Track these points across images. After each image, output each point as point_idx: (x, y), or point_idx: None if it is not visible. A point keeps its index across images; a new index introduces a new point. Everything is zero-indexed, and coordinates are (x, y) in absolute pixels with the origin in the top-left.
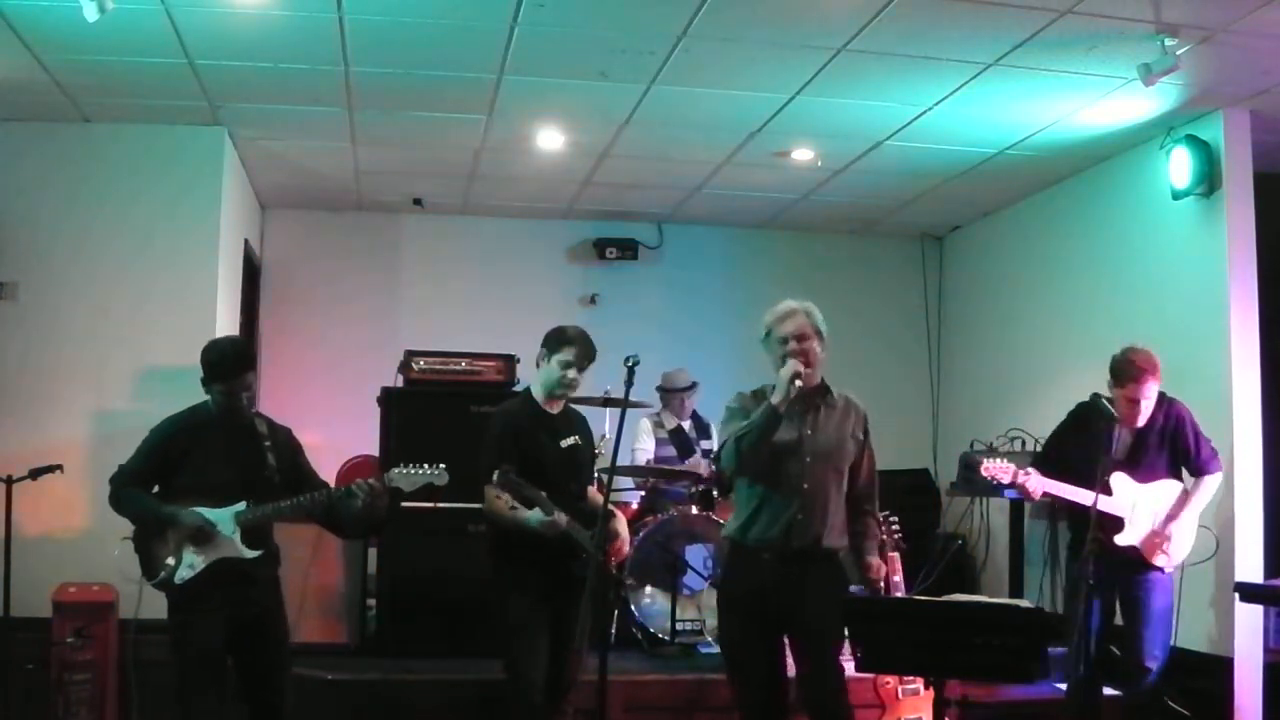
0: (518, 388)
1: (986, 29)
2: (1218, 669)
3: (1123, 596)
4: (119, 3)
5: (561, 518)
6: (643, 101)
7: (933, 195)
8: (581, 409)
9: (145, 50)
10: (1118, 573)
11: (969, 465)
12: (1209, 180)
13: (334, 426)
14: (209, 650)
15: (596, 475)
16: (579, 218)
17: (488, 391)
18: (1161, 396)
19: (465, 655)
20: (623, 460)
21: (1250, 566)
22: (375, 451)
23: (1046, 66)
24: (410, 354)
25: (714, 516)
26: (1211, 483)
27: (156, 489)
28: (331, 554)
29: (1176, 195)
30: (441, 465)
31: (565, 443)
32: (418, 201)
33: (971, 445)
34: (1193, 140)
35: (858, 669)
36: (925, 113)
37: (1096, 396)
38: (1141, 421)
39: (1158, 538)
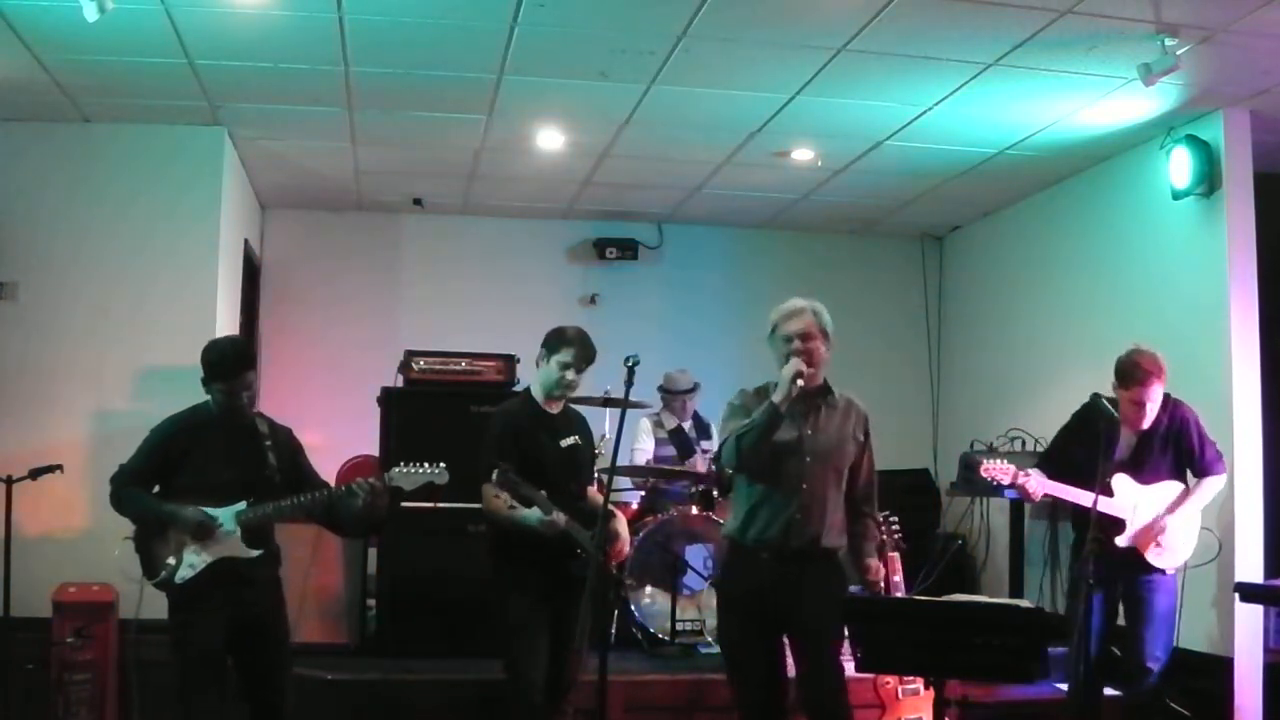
0: (518, 388)
1: (986, 29)
2: (1218, 669)
3: (1125, 597)
4: (119, 3)
5: (560, 517)
6: (643, 101)
7: (933, 195)
8: (581, 409)
9: (145, 50)
10: (1120, 574)
11: (969, 465)
12: (1209, 180)
13: (334, 426)
14: (209, 650)
15: (596, 475)
16: (579, 218)
17: (488, 391)
18: (1166, 398)
19: (465, 655)
20: (622, 460)
21: (1250, 566)
22: (375, 451)
23: (1046, 66)
24: (410, 354)
25: (714, 516)
26: (1213, 483)
27: (157, 489)
28: (331, 554)
29: (1176, 195)
30: (442, 464)
31: (565, 442)
32: (418, 201)
33: (971, 445)
34: (1193, 140)
35: (858, 669)
36: (925, 113)
37: (1097, 396)
38: (1146, 424)
39: (1152, 532)
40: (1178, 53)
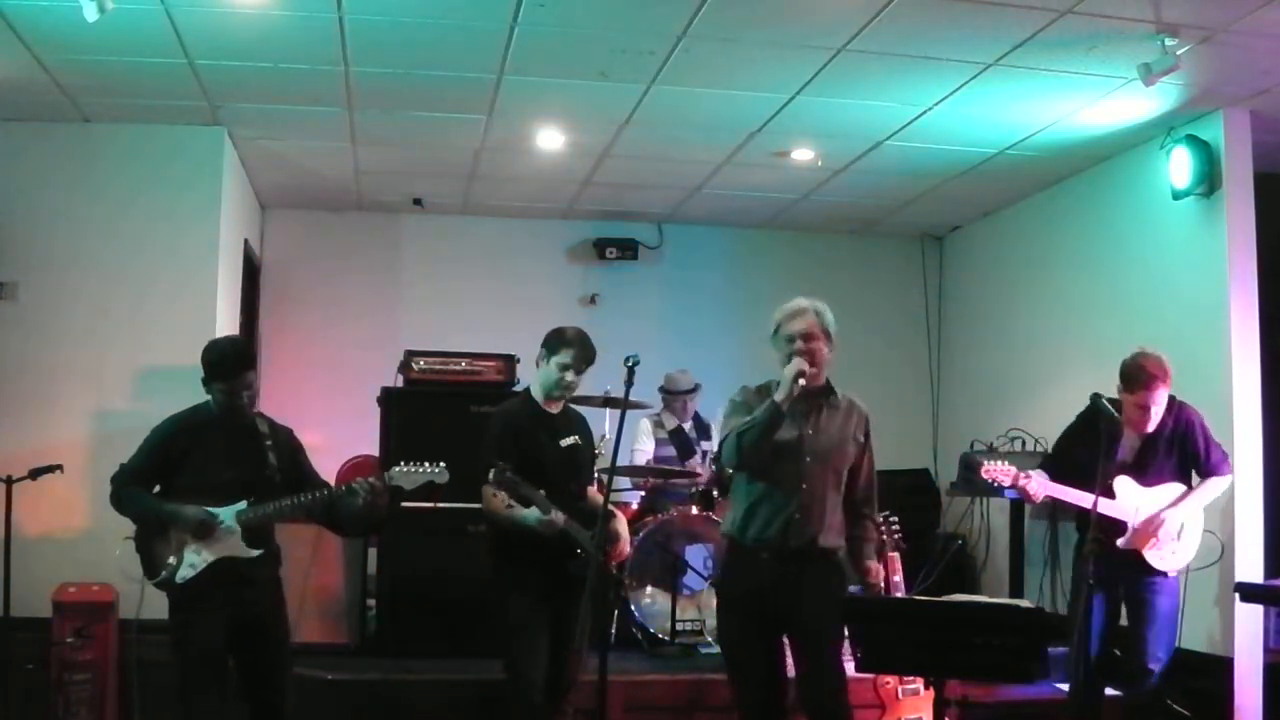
0: (518, 388)
1: (986, 29)
2: (1218, 669)
3: (1128, 598)
4: (119, 3)
5: (559, 516)
6: (643, 101)
7: (933, 195)
8: (581, 409)
9: (145, 50)
10: (1122, 575)
11: (969, 465)
12: (1209, 180)
13: (334, 426)
14: (210, 650)
15: (596, 475)
16: (579, 218)
17: (488, 391)
18: (1172, 401)
19: (465, 655)
20: (622, 460)
21: (1250, 567)
22: (375, 451)
23: (1046, 66)
24: (410, 354)
25: (714, 517)
26: (1217, 483)
27: (157, 489)
28: (331, 554)
29: (1177, 195)
30: (442, 464)
31: (565, 442)
32: (418, 201)
33: (971, 445)
34: (1193, 140)
35: (858, 669)
36: (925, 113)
37: (1097, 396)
38: (1151, 427)
39: (1151, 526)
40: (1178, 53)
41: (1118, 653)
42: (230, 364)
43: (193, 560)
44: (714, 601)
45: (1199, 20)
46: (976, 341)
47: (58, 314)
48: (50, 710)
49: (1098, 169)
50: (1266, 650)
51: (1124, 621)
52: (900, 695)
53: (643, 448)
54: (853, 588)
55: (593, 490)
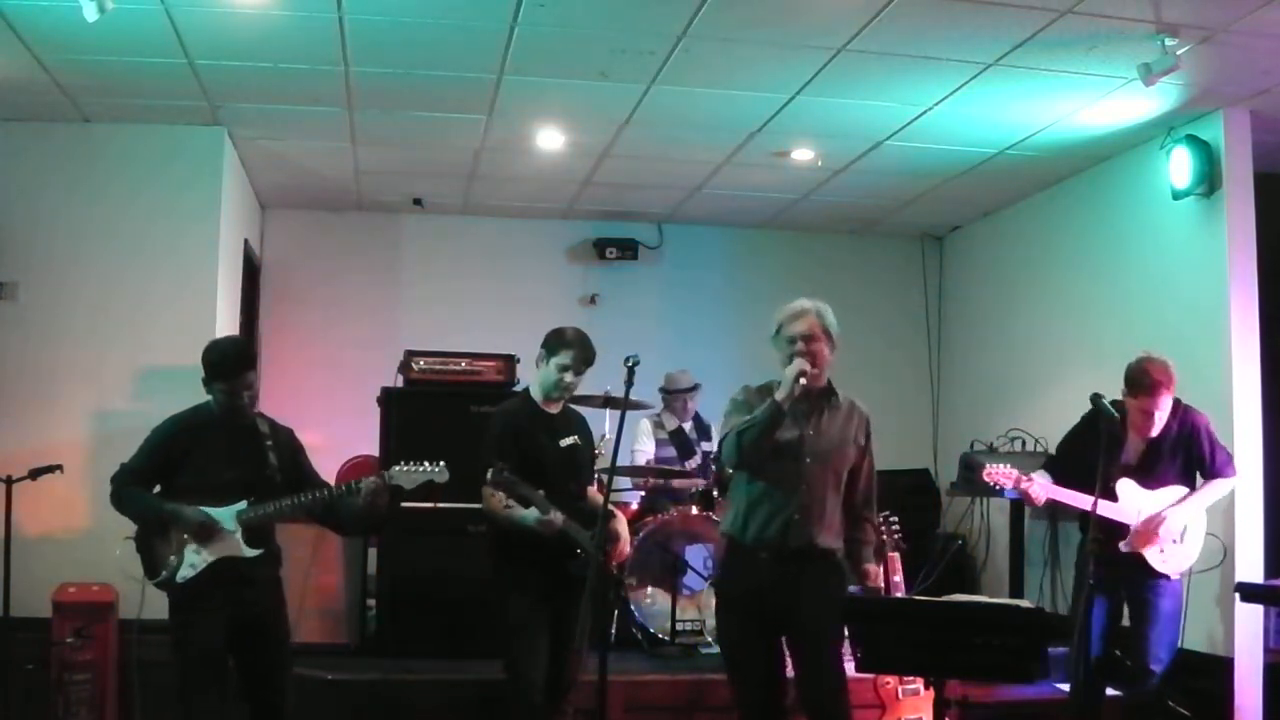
0: (517, 388)
1: (986, 29)
2: (1218, 669)
3: (1130, 599)
4: (119, 3)
5: (558, 516)
6: (643, 101)
7: (933, 195)
8: (581, 409)
9: (145, 50)
10: (1125, 577)
11: (969, 465)
12: (1209, 180)
13: (334, 426)
14: (210, 650)
15: (596, 475)
16: (579, 218)
17: (488, 391)
18: (1177, 405)
19: (465, 655)
20: (622, 461)
21: (1250, 566)
22: (375, 451)
23: (1046, 66)
24: (410, 354)
25: (714, 517)
26: (1221, 485)
27: (158, 489)
28: (331, 554)
29: (1177, 195)
30: (442, 463)
31: (564, 442)
32: (418, 201)
33: (971, 445)
34: (1193, 140)
35: (858, 669)
36: (925, 113)
37: (1097, 396)
38: (1155, 432)
39: (1152, 524)
40: (1178, 53)
41: (1118, 653)
42: (231, 364)
43: (193, 560)
44: (714, 601)
45: (1199, 20)
46: (976, 341)
47: (58, 314)
48: (50, 710)
49: (1098, 169)
50: (1266, 650)
51: (1125, 622)
52: (900, 695)
53: (643, 448)
54: (852, 588)
55: (593, 490)
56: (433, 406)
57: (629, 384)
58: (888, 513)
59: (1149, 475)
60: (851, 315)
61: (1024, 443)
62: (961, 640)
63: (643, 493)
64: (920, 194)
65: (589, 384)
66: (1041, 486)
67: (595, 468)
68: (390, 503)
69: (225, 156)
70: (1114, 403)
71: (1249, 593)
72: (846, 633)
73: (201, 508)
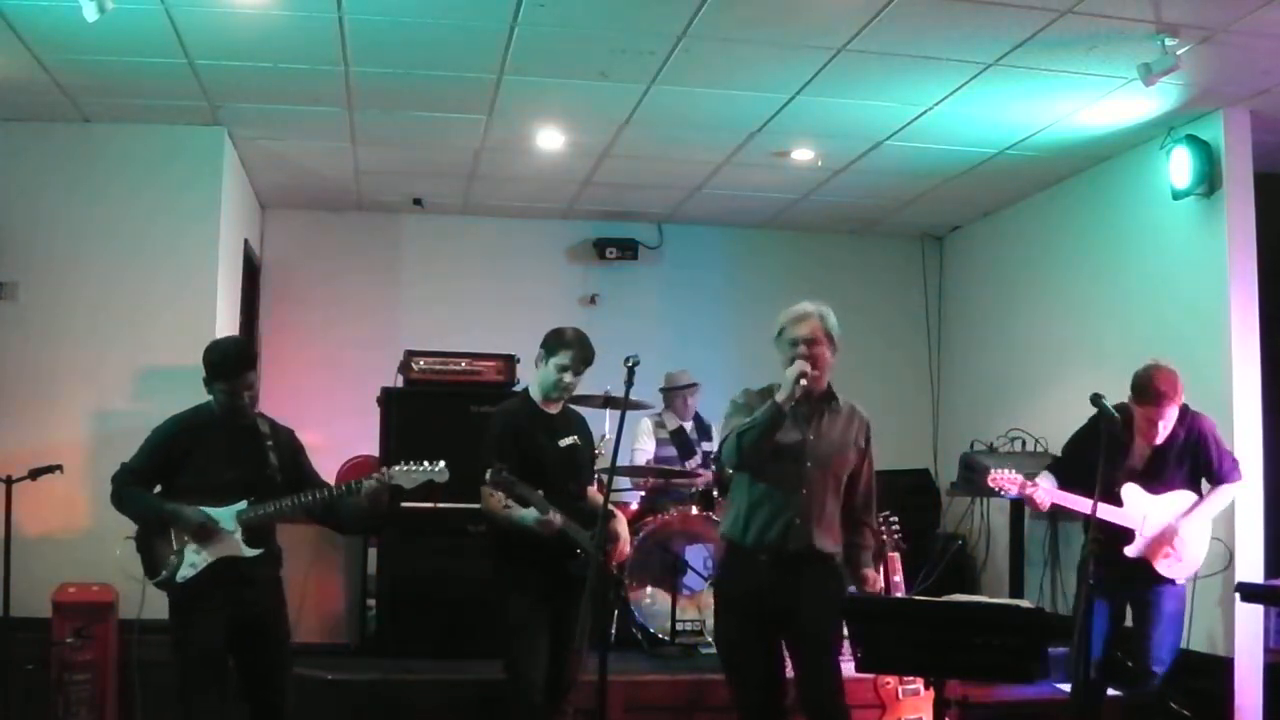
0: (517, 388)
1: (986, 29)
2: (1218, 669)
3: (1134, 601)
4: (119, 3)
5: (557, 517)
6: (643, 101)
7: (933, 195)
8: (581, 409)
9: (145, 50)
10: (1130, 582)
11: (970, 466)
12: (1209, 180)
13: (334, 426)
14: (210, 650)
15: (596, 475)
16: (579, 218)
17: (488, 391)
18: (1185, 411)
19: (465, 655)
20: (623, 461)
21: (1251, 566)
22: (375, 451)
23: (1046, 66)
24: (410, 354)
25: (714, 517)
26: (1228, 490)
27: (158, 489)
28: (331, 554)
29: (1177, 195)
30: (442, 463)
31: (564, 442)
32: (418, 201)
33: (971, 445)
34: (1193, 140)
35: (858, 669)
36: (925, 113)
37: (1098, 397)
38: (1160, 440)
39: (1163, 540)
40: (1178, 53)
41: (1119, 654)
42: (232, 364)
43: (193, 560)
44: (713, 602)
45: (1199, 20)
46: (976, 341)
47: (58, 314)
48: (50, 710)
49: (1098, 169)
50: (1267, 650)
51: (1128, 622)
52: (900, 695)
53: (643, 447)
54: (851, 588)
55: (593, 490)
56: (433, 406)
57: (629, 384)
58: (888, 513)
59: (1155, 480)
60: (851, 315)
61: (1024, 443)
62: (961, 640)
63: (643, 493)
64: (920, 194)
65: (589, 384)
66: (1046, 492)
67: (595, 468)
68: (390, 502)
69: (225, 156)
70: (1120, 405)
71: (1249, 593)
72: (846, 633)
73: (202, 508)
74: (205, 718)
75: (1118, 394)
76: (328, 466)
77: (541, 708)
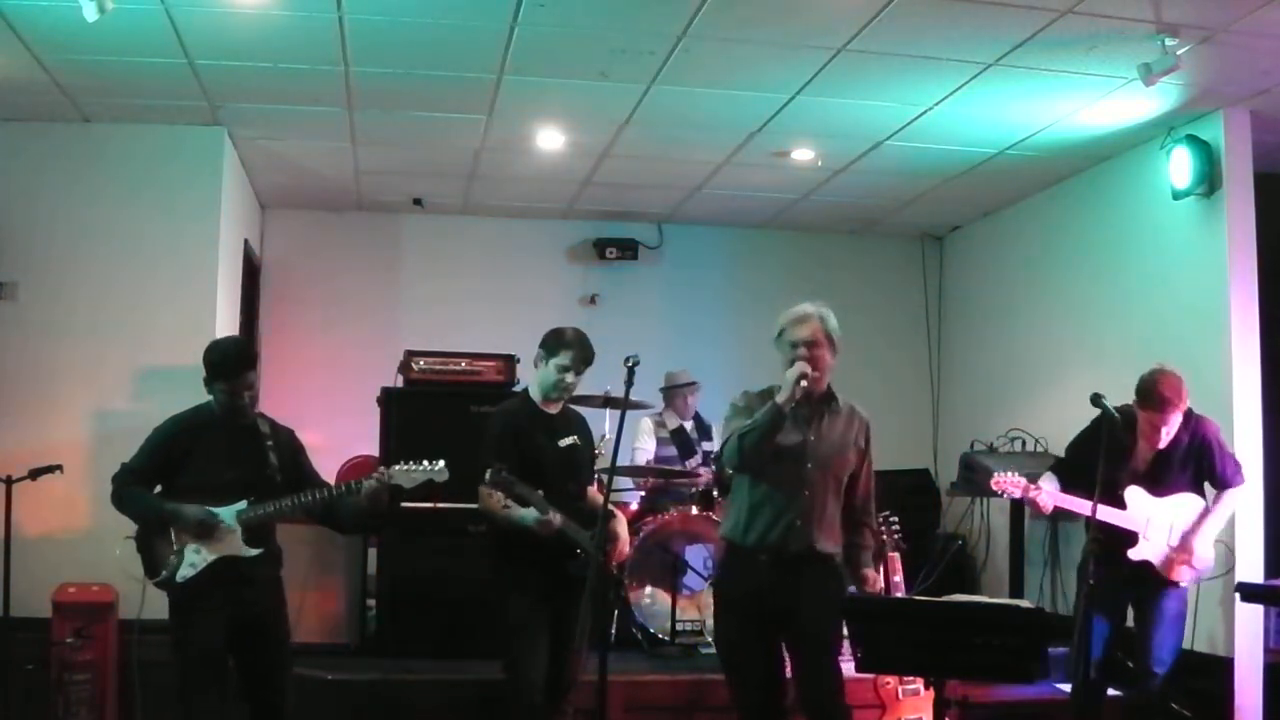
0: (517, 388)
1: (986, 29)
2: (1218, 669)
3: (1136, 602)
4: (119, 3)
5: (556, 517)
6: (643, 101)
7: (933, 195)
8: (581, 409)
9: (145, 50)
10: (1133, 584)
11: (970, 466)
12: (1209, 180)
13: (334, 426)
14: (210, 650)
15: (596, 475)
16: (579, 218)
17: (488, 391)
18: (1189, 415)
19: (465, 655)
20: (623, 460)
21: (1251, 566)
22: (375, 451)
23: (1046, 66)
24: (410, 354)
25: (714, 517)
26: (1233, 495)
27: (159, 488)
28: (331, 554)
29: (1177, 195)
30: (441, 462)
31: (564, 442)
32: (418, 201)
33: (971, 445)
34: (1193, 140)
35: (858, 669)
36: (925, 113)
37: (1098, 397)
38: (1163, 444)
39: (1177, 555)
40: (1178, 53)
41: (1119, 654)
42: (232, 364)
43: (193, 560)
44: (714, 602)
45: (1199, 20)
46: (976, 341)
47: (57, 314)
48: (50, 710)
49: (1098, 169)
50: (1266, 650)
51: (1129, 623)
52: (900, 695)
53: (644, 447)
54: (851, 588)
55: (593, 490)
56: (433, 406)
57: (629, 384)
58: (888, 513)
59: (1159, 484)
60: (851, 315)
61: (1024, 443)
62: (961, 640)
63: (643, 493)
64: (920, 194)
65: (589, 384)
66: (1049, 495)
67: (595, 468)
68: (390, 502)
69: (225, 156)
70: (1124, 408)
71: (1249, 593)
72: (846, 633)
73: (201, 507)
74: (205, 718)
75: (1118, 394)
76: (328, 466)
77: (541, 708)
